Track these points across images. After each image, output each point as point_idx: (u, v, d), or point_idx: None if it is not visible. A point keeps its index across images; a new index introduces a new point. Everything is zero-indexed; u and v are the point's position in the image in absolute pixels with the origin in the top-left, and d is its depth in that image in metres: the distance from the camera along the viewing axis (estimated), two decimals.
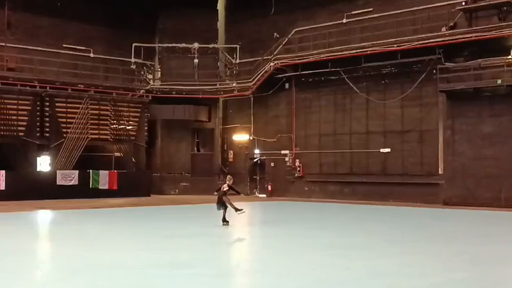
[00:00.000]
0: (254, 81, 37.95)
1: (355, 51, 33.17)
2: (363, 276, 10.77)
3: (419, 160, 32.08)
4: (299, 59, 35.77)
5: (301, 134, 37.19)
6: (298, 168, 36.82)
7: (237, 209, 18.91)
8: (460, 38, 29.67)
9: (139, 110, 38.07)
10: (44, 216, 24.71)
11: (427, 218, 24.56)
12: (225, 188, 18.98)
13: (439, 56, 30.38)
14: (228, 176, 20.09)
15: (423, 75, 31.28)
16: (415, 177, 31.95)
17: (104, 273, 10.94)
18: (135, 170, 37.64)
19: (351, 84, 34.06)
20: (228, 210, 18.97)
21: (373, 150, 33.75)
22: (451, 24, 30.60)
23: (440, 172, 31.12)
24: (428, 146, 31.77)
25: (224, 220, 18.95)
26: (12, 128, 33.04)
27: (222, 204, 18.81)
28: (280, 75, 37.15)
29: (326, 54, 34.44)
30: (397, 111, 32.99)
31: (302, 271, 11.25)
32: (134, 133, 37.69)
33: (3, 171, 31.56)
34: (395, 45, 31.68)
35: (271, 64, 36.82)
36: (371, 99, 33.84)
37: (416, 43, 30.97)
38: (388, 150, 33.09)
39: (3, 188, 31.39)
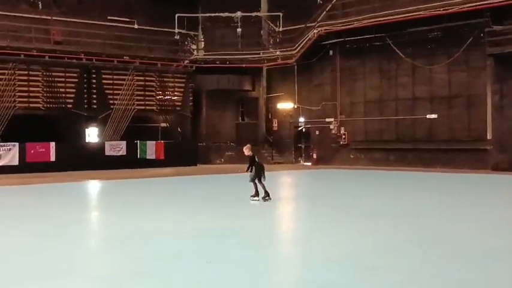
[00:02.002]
0: (298, 49, 37.69)
1: (401, 16, 32.59)
2: (410, 243, 10.74)
3: (467, 125, 31.56)
4: (343, 26, 35.32)
5: (346, 102, 36.92)
6: (344, 136, 36.64)
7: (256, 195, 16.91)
8: (508, 0, 28.87)
9: (184, 80, 38.37)
10: (93, 187, 25.25)
11: (476, 184, 24.28)
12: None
13: (487, 19, 29.66)
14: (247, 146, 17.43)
15: (470, 39, 30.58)
16: (463, 143, 31.48)
17: (153, 241, 11.17)
18: (181, 140, 38.05)
19: (396, 49, 33.55)
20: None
21: (419, 116, 33.31)
22: None
23: (488, 137, 30.56)
24: (476, 111, 31.20)
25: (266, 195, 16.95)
26: (61, 100, 33.67)
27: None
28: (324, 43, 36.81)
29: (370, 20, 33.91)
30: (444, 76, 32.42)
31: (350, 238, 11.28)
32: (179, 103, 38.07)
33: (53, 143, 32.24)
34: (441, 9, 31.01)
35: (315, 31, 36.48)
36: (417, 64, 33.31)
37: (463, 6, 30.26)
38: (434, 116, 32.61)
39: (54, 160, 32.11)
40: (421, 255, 9.65)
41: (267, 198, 16.87)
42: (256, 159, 17.08)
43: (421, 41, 32.90)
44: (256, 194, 16.95)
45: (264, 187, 16.89)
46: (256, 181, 16.81)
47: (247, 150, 17.12)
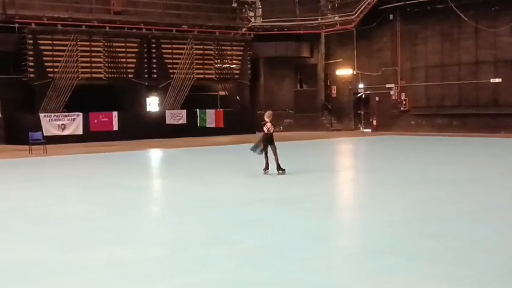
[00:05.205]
0: (357, 14, 37.08)
1: None
2: (474, 210, 10.59)
3: None
4: None
5: (406, 67, 36.26)
6: (404, 102, 36.07)
7: (279, 168, 15.73)
8: None
9: (242, 48, 38.34)
10: (156, 155, 25.68)
11: None
12: (270, 128, 16.16)
13: None
14: (268, 113, 16.48)
15: None
16: None
17: (215, 207, 11.33)
18: (240, 108, 38.20)
19: (458, 12, 32.63)
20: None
21: (483, 81, 32.47)
22: None
23: None
24: None
25: (279, 168, 15.77)
26: (122, 70, 34.16)
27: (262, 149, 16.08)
28: (383, 7, 36.08)
29: None
30: (509, 39, 31.41)
31: (413, 205, 11.18)
32: (238, 71, 38.11)
33: (116, 112, 32.85)
34: None
35: None
36: (480, 27, 32.37)
37: None
38: (499, 80, 31.75)
39: (116, 129, 32.74)
40: (485, 223, 9.50)
41: (266, 170, 15.82)
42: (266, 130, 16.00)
43: (485, 3, 31.91)
44: (267, 166, 15.87)
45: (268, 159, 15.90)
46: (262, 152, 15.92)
47: (267, 116, 16.09)
